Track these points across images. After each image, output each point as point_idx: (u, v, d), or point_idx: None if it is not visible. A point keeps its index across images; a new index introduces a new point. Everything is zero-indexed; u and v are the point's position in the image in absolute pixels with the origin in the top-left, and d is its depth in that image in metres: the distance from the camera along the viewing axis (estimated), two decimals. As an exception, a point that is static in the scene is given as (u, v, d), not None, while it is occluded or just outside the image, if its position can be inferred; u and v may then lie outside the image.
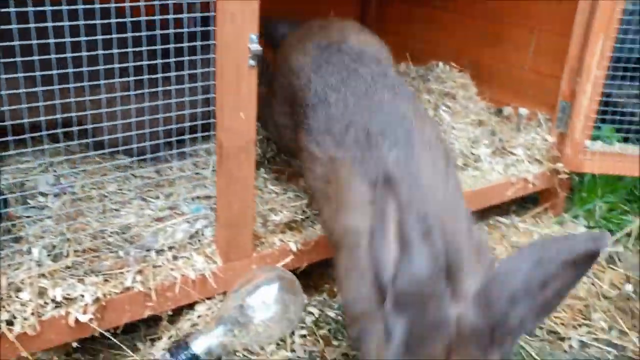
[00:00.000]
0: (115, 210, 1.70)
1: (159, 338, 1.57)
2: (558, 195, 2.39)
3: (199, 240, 1.63)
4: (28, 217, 1.62)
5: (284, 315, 1.59)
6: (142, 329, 1.61)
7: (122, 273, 1.50)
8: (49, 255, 1.47)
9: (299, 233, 1.77)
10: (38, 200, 1.70)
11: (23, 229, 1.55)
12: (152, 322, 1.60)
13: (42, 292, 1.40)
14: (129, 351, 1.53)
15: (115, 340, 1.48)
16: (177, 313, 1.60)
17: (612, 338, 1.76)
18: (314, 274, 1.87)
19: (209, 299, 1.62)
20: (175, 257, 1.58)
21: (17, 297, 1.37)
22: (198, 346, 1.48)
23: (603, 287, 1.97)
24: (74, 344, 1.45)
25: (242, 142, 1.51)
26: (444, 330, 0.96)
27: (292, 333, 1.65)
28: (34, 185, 1.74)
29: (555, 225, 2.32)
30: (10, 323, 1.35)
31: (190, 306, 1.61)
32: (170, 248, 1.58)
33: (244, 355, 1.56)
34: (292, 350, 1.61)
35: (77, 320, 1.40)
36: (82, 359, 1.53)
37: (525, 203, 2.46)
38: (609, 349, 1.72)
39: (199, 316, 1.60)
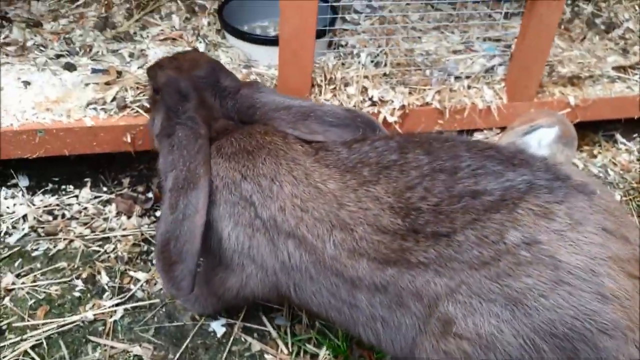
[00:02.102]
0: (418, 37, 1.91)
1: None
2: None
3: (492, 76, 1.79)
4: (345, 29, 1.89)
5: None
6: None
7: (424, 90, 1.73)
8: (372, 62, 1.74)
9: (579, 89, 1.85)
10: (352, 17, 1.96)
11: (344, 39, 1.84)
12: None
13: (363, 91, 1.69)
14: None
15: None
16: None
17: None
18: (579, 133, 1.94)
19: (489, 129, 1.81)
20: (469, 86, 1.76)
21: (344, 90, 1.68)
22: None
23: None
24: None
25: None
26: None
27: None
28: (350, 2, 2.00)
29: None
30: (339, 109, 1.67)
31: (469, 133, 1.82)
32: (467, 77, 1.77)
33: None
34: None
35: (385, 120, 1.69)
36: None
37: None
38: None
39: (476, 142, 1.80)
